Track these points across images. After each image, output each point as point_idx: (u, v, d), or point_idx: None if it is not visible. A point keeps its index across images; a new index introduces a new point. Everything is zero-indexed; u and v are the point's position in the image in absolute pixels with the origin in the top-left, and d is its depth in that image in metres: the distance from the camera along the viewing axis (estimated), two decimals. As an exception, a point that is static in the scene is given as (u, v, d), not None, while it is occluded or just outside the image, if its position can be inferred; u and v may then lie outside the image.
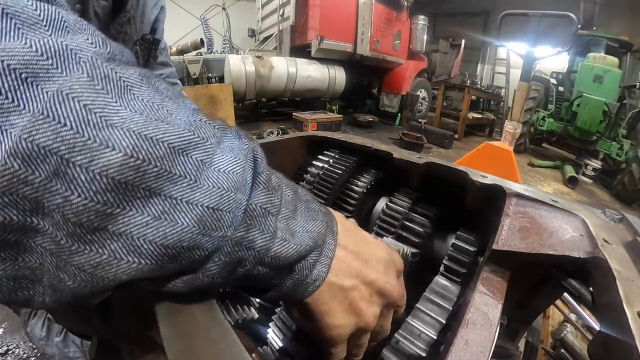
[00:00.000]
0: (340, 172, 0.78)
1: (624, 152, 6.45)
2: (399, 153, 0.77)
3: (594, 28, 7.96)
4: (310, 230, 0.34)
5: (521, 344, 1.30)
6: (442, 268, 0.68)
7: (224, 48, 9.19)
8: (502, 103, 10.76)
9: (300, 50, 6.78)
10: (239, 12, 10.14)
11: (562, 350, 1.28)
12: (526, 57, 2.37)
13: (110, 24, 0.72)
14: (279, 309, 0.57)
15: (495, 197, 0.66)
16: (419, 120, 7.58)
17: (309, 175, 0.82)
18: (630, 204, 6.24)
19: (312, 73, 6.64)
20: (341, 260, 0.37)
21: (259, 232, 0.28)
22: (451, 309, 0.51)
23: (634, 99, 6.93)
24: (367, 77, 8.15)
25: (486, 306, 0.45)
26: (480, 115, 9.12)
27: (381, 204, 0.80)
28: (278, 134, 5.51)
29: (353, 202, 0.76)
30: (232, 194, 0.26)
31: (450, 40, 9.42)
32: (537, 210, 0.63)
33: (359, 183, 0.79)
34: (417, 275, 0.70)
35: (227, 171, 0.26)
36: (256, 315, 0.65)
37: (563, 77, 8.28)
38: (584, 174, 7.10)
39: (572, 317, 1.39)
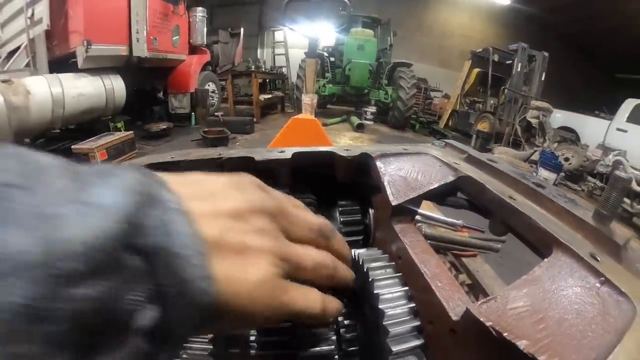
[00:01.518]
0: (195, 199, 0.60)
1: (389, 95, 9.18)
2: (259, 154, 0.67)
3: (352, 9, 10.11)
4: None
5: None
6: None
7: (-59, 77, 6.13)
8: (286, 80, 12.14)
9: (64, 63, 5.16)
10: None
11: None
12: (311, 37, 2.65)
13: None
14: None
15: (364, 164, 0.70)
16: (215, 114, 7.53)
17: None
18: (403, 129, 9.46)
19: (84, 89, 5.28)
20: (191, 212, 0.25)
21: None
22: (395, 271, 0.53)
23: (387, 57, 10.00)
24: (149, 81, 7.30)
25: (419, 247, 0.52)
26: (270, 96, 10.09)
27: (257, 215, 0.69)
28: (62, 178, 4.21)
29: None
30: None
31: (230, 30, 9.55)
32: (400, 161, 0.70)
33: (224, 203, 0.64)
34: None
35: None
36: None
37: (333, 50, 10.48)
38: (365, 119, 9.40)
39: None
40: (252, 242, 0.28)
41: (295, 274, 0.31)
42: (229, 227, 0.27)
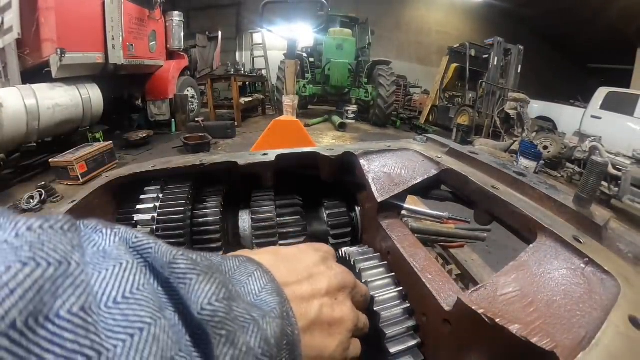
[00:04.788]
0: (180, 207, 0.59)
1: (369, 94, 9.22)
2: (242, 158, 0.66)
3: (329, 9, 10.09)
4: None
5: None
6: (330, 241, 0.69)
7: None
8: (266, 83, 12.08)
9: (37, 73, 4.96)
10: None
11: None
12: (289, 39, 2.63)
13: None
14: None
15: (348, 163, 0.70)
16: (196, 119, 7.36)
17: (139, 225, 0.59)
18: (385, 126, 9.50)
19: (59, 100, 5.09)
20: (295, 300, 0.34)
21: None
22: (387, 271, 0.52)
23: (366, 56, 10.12)
24: (126, 88, 7.09)
25: (407, 241, 0.54)
26: (250, 99, 9.93)
27: (244, 219, 0.68)
28: (42, 196, 4.02)
29: (214, 235, 0.61)
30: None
31: (207, 34, 9.41)
32: (383, 158, 0.69)
33: (209, 209, 0.63)
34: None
35: None
36: None
37: (312, 50, 10.48)
38: (347, 118, 9.46)
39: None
40: (339, 314, 0.37)
41: (355, 333, 0.40)
42: (324, 303, 0.36)
